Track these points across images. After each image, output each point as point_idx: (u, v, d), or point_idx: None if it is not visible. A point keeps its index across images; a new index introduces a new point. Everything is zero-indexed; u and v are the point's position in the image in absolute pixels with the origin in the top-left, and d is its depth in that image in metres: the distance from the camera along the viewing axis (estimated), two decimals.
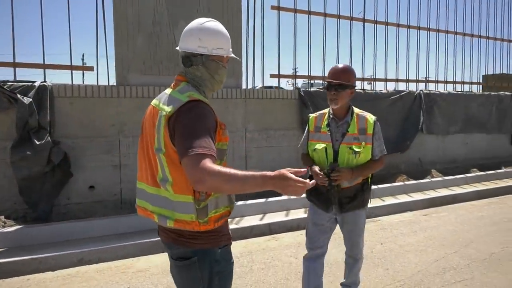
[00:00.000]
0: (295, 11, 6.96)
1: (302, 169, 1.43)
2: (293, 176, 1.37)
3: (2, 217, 4.47)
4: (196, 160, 1.40)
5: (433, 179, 7.31)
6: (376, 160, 2.62)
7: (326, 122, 2.63)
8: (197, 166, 1.38)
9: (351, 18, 7.62)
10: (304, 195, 1.73)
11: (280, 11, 6.76)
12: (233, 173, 1.38)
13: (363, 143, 2.51)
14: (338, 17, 7.46)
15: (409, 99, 7.86)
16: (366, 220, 5.36)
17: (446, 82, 9.12)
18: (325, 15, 7.31)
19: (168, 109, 1.55)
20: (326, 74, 2.68)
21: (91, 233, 4.38)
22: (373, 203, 5.91)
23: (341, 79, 2.51)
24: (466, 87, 9.46)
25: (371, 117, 2.61)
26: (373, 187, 6.46)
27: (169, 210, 1.60)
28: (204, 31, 1.69)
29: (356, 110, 2.65)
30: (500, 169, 8.48)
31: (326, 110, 2.72)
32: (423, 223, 5.31)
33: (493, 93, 9.40)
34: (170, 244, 1.68)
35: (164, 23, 5.49)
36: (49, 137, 4.61)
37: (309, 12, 7.11)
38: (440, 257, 4.07)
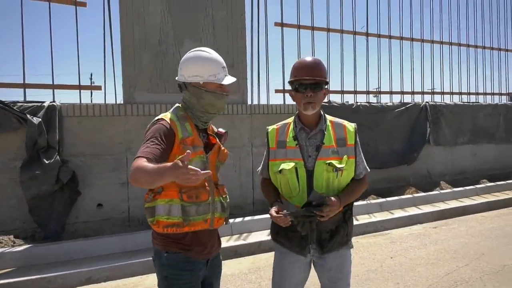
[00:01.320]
0: (299, 27, 7.06)
1: (188, 151, 1.45)
2: (182, 164, 1.40)
3: (11, 236, 4.50)
4: (135, 162, 1.59)
5: (442, 191, 7.23)
6: (361, 180, 2.05)
7: (292, 134, 1.99)
8: (132, 166, 1.58)
9: (354, 33, 7.69)
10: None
11: (284, 27, 6.87)
12: (144, 167, 1.52)
13: (344, 156, 1.93)
14: (341, 32, 7.54)
15: (415, 111, 7.85)
16: (375, 233, 5.40)
17: (452, 93, 9.10)
18: (328, 30, 7.40)
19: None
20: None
21: (99, 251, 4.39)
22: (382, 216, 5.88)
23: (317, 75, 1.93)
24: (472, 98, 9.43)
25: (350, 125, 2.06)
26: (381, 200, 6.51)
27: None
28: (183, 61, 1.91)
29: (328, 116, 2.08)
30: (510, 179, 8.35)
31: (289, 120, 2.10)
32: (433, 235, 5.24)
33: (500, 103, 9.35)
34: None
35: (170, 42, 5.60)
36: (57, 156, 4.67)
37: (313, 28, 7.20)
38: (451, 270, 4.00)
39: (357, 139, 2.02)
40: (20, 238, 4.57)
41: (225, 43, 5.96)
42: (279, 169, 1.93)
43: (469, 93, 9.36)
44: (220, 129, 2.07)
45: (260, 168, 2.20)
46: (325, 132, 1.97)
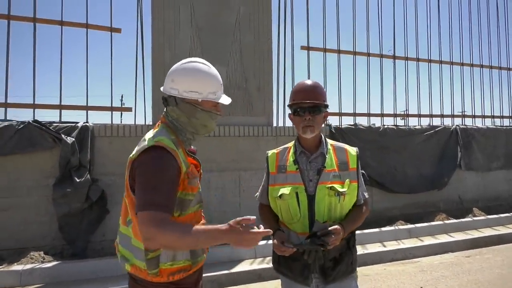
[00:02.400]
0: (325, 50, 7.11)
1: (251, 217, 1.40)
2: (241, 229, 1.37)
3: (42, 252, 4.63)
4: (148, 218, 1.37)
5: (475, 218, 6.92)
6: (362, 206, 1.99)
7: (292, 159, 1.95)
8: (149, 224, 1.36)
9: (381, 56, 7.67)
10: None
11: (310, 51, 6.94)
12: (185, 230, 1.38)
13: (347, 181, 1.88)
14: (368, 55, 7.54)
15: (445, 135, 7.65)
16: (404, 261, 5.21)
17: (483, 116, 8.84)
18: (354, 53, 7.41)
19: (134, 151, 1.54)
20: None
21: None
22: (411, 243, 5.68)
23: (316, 98, 1.91)
24: (506, 122, 9.12)
25: (352, 149, 2.01)
26: (410, 226, 6.30)
27: (129, 253, 1.58)
28: (177, 72, 1.63)
29: (329, 140, 2.06)
30: None
31: (290, 144, 2.07)
32: (466, 265, 4.99)
33: None
34: None
35: None
36: (88, 175, 4.83)
37: (339, 51, 7.24)
38: None
39: (359, 163, 1.98)
40: (49, 254, 4.69)
41: (251, 66, 6.08)
42: (279, 194, 1.87)
43: (502, 117, 9.05)
44: (192, 147, 1.81)
45: (258, 193, 2.13)
46: (326, 156, 1.93)
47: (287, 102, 2.02)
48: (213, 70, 1.69)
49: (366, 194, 2.01)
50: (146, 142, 1.50)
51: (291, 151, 2.00)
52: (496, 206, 7.83)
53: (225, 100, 1.72)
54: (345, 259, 1.89)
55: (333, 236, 1.73)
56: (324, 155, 1.93)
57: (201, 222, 1.69)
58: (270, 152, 2.07)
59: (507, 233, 6.25)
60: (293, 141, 2.05)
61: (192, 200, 1.59)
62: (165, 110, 1.68)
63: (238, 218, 1.40)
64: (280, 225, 1.95)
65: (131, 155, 1.55)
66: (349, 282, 1.91)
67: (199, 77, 1.62)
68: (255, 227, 1.46)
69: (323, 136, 2.02)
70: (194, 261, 1.60)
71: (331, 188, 1.83)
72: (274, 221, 1.98)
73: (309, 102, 1.90)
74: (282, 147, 2.09)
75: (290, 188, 1.86)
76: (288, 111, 2.02)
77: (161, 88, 1.67)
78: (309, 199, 1.84)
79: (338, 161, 1.93)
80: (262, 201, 2.10)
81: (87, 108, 5.50)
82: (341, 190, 1.83)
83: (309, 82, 2.02)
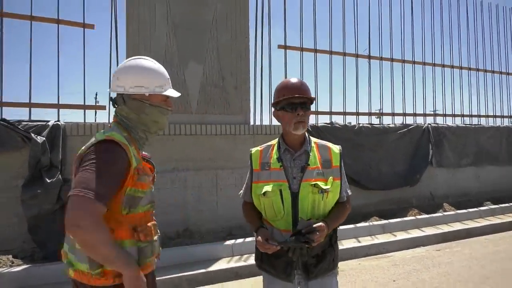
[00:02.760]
0: (302, 49, 7.17)
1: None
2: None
3: (10, 256, 4.47)
4: (81, 201, 1.29)
5: (445, 213, 7.16)
6: (345, 203, 2.02)
7: (276, 156, 1.95)
8: (79, 209, 1.29)
9: (357, 55, 7.80)
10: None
11: (287, 50, 6.98)
12: (107, 238, 1.32)
13: (330, 178, 1.89)
14: (344, 54, 7.65)
15: (417, 133, 7.87)
16: (377, 256, 5.33)
17: (454, 115, 9.14)
18: (331, 52, 7.51)
19: (83, 147, 1.50)
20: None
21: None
22: (384, 238, 5.81)
23: (306, 94, 1.92)
24: (475, 120, 9.46)
25: (335, 147, 2.03)
26: (383, 222, 6.45)
27: (74, 257, 1.49)
28: (122, 70, 1.63)
29: (312, 138, 2.06)
30: None
31: (273, 142, 2.07)
32: (437, 258, 5.16)
33: (502, 125, 9.37)
34: None
35: (174, 64, 5.70)
36: (60, 175, 4.69)
37: (315, 50, 7.32)
38: None
39: (342, 161, 2.00)
40: (18, 258, 4.53)
41: (228, 64, 6.06)
42: (263, 191, 1.87)
43: (471, 115, 9.39)
44: (144, 153, 1.76)
45: (242, 191, 2.14)
46: (310, 153, 1.94)
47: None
48: (159, 65, 1.69)
49: (349, 191, 2.05)
50: (97, 137, 1.49)
51: (275, 148, 2.00)
52: (465, 202, 8.12)
53: (173, 93, 1.70)
54: (327, 256, 1.91)
55: (317, 233, 1.75)
56: (308, 152, 1.94)
57: (152, 223, 1.62)
58: (253, 150, 2.07)
59: (475, 227, 6.50)
60: (277, 139, 2.05)
61: (142, 198, 1.54)
62: (115, 110, 1.66)
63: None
64: (263, 223, 1.96)
65: (80, 151, 1.49)
66: (330, 278, 1.94)
67: (144, 71, 1.62)
68: None
69: (306, 134, 2.02)
70: (143, 261, 1.51)
71: (315, 185, 1.84)
72: (258, 218, 1.99)
73: (301, 97, 1.89)
74: (266, 144, 2.08)
75: (273, 185, 1.86)
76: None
77: (108, 90, 1.69)
78: (293, 197, 1.85)
79: (321, 158, 1.94)
80: (246, 199, 2.10)
81: (58, 106, 5.34)
82: (324, 187, 1.85)
83: (295, 79, 2.01)
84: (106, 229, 1.34)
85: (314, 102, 2.04)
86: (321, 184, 1.85)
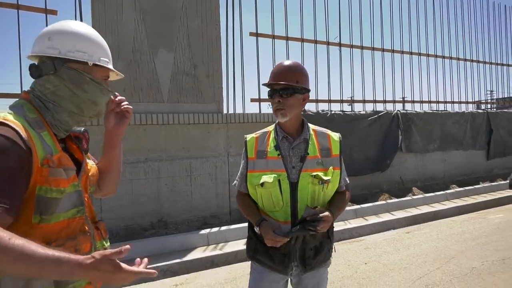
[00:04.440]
0: (273, 37, 7.15)
1: (124, 248, 1.03)
2: (110, 267, 1.00)
3: None
4: None
5: (414, 197, 7.42)
6: (345, 192, 1.97)
7: (273, 144, 1.85)
8: None
9: (328, 43, 7.86)
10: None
11: (259, 37, 6.94)
12: (19, 243, 0.93)
13: (330, 168, 1.81)
14: (315, 42, 7.69)
15: (387, 119, 8.07)
16: (350, 240, 5.48)
17: (421, 102, 9.42)
18: (302, 40, 7.52)
19: None
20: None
21: None
22: (356, 222, 5.97)
23: (287, 79, 1.78)
24: (441, 106, 9.79)
25: (334, 134, 1.95)
26: (356, 206, 6.62)
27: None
28: (57, 29, 1.24)
29: (310, 125, 1.95)
30: (478, 184, 8.69)
31: (269, 128, 1.96)
32: (406, 240, 5.36)
33: (466, 111, 9.75)
34: None
35: (144, 51, 5.56)
36: None
37: (287, 38, 7.32)
38: (423, 274, 4.10)
39: (342, 148, 1.93)
40: None
41: (200, 52, 5.97)
42: (261, 182, 1.77)
43: (438, 102, 9.71)
44: (75, 128, 1.36)
45: (236, 181, 1.98)
46: (309, 142, 1.85)
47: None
48: (97, 34, 1.34)
49: (347, 179, 1.98)
50: None
51: (272, 135, 1.89)
52: (432, 185, 8.45)
53: (118, 73, 1.40)
54: (325, 247, 1.86)
55: (323, 223, 1.69)
56: (307, 141, 1.85)
57: (81, 237, 1.23)
58: (249, 137, 1.94)
59: (441, 209, 6.78)
60: (273, 125, 1.95)
61: (60, 199, 1.15)
62: (33, 82, 1.27)
63: (107, 251, 1.01)
64: (262, 214, 1.87)
65: None
66: (323, 270, 1.91)
67: (88, 35, 1.27)
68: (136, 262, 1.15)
69: (305, 122, 1.91)
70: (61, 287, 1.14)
71: (315, 176, 1.75)
72: (257, 210, 1.87)
73: (280, 84, 1.78)
74: (261, 131, 1.96)
75: (272, 176, 1.76)
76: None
77: (29, 53, 1.25)
78: (292, 187, 1.77)
79: (320, 147, 1.86)
80: (242, 189, 1.95)
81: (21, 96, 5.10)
82: (325, 178, 1.76)
83: (287, 62, 1.86)
84: (6, 235, 0.95)
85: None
86: (322, 175, 1.77)
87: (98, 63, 1.27)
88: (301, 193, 1.76)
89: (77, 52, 1.23)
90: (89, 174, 1.36)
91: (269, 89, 1.85)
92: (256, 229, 1.79)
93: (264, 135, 1.92)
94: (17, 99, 1.25)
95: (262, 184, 1.76)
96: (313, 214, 1.70)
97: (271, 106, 1.90)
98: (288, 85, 1.78)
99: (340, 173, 1.89)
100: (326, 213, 1.73)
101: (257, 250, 1.86)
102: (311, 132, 1.89)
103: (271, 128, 1.95)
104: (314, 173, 1.76)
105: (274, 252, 1.79)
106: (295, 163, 1.80)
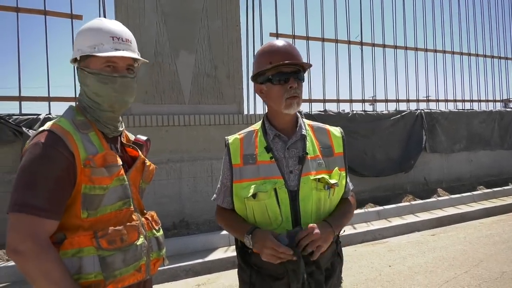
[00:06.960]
0: (294, 37, 7.12)
1: None
2: None
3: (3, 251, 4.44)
4: (18, 221, 1.10)
5: (439, 198, 7.23)
6: (347, 200, 1.59)
7: (264, 145, 1.47)
8: (17, 231, 1.10)
9: (349, 42, 7.76)
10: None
11: (279, 37, 6.92)
12: (56, 267, 1.08)
13: (335, 169, 1.47)
14: (336, 41, 7.61)
15: (411, 119, 7.90)
16: (373, 242, 5.38)
17: (446, 100, 9.18)
18: (323, 40, 7.46)
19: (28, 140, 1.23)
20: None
21: None
22: (380, 224, 5.87)
23: (299, 58, 1.45)
24: (467, 105, 9.51)
25: (334, 129, 1.60)
26: (379, 208, 6.50)
27: None
28: (77, 34, 1.32)
29: (306, 120, 1.61)
30: (507, 185, 8.38)
31: (255, 126, 1.58)
32: (432, 243, 5.22)
33: (494, 109, 9.44)
34: None
35: (165, 53, 5.62)
36: None
37: (307, 38, 7.27)
38: (450, 278, 3.98)
39: (345, 146, 1.57)
40: None
41: (220, 53, 6.00)
42: (253, 193, 1.38)
43: (463, 101, 9.44)
44: (139, 136, 1.47)
45: (215, 194, 1.61)
46: (307, 139, 1.50)
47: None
48: (106, 21, 1.30)
49: (350, 184, 1.62)
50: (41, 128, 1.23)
51: (259, 134, 1.51)
52: (458, 186, 8.21)
53: (112, 52, 1.24)
54: (336, 269, 1.51)
55: (310, 239, 1.30)
56: (304, 138, 1.49)
57: (132, 223, 1.29)
58: (231, 138, 1.55)
59: (468, 211, 6.57)
60: (258, 123, 1.58)
61: (103, 195, 1.21)
62: None
63: None
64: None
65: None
66: None
67: (81, 32, 1.29)
68: None
69: (298, 114, 1.55)
70: (109, 274, 1.18)
71: (320, 180, 1.40)
72: (245, 220, 1.48)
73: (293, 64, 1.41)
74: (246, 130, 1.57)
75: (267, 184, 1.39)
76: (260, 98, 1.54)
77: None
78: (291, 197, 1.40)
79: (320, 145, 1.51)
80: (224, 205, 1.56)
81: (49, 99, 5.27)
82: (332, 182, 1.40)
83: (281, 41, 1.50)
84: (53, 256, 1.10)
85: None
86: (328, 178, 1.41)
87: (89, 54, 1.25)
88: (304, 204, 1.40)
89: (76, 52, 1.28)
90: (143, 172, 1.41)
91: (271, 73, 1.43)
92: (248, 242, 1.37)
93: (250, 135, 1.53)
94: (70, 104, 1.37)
95: (254, 196, 1.38)
96: (295, 234, 1.32)
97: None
98: (305, 64, 1.44)
99: (346, 175, 1.54)
100: (310, 225, 1.33)
101: (253, 285, 1.45)
102: (307, 127, 1.55)
103: (257, 126, 1.57)
104: (319, 176, 1.41)
105: (276, 283, 1.39)
106: (292, 166, 1.44)
